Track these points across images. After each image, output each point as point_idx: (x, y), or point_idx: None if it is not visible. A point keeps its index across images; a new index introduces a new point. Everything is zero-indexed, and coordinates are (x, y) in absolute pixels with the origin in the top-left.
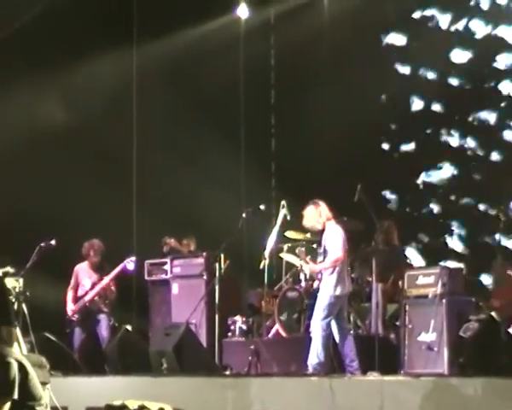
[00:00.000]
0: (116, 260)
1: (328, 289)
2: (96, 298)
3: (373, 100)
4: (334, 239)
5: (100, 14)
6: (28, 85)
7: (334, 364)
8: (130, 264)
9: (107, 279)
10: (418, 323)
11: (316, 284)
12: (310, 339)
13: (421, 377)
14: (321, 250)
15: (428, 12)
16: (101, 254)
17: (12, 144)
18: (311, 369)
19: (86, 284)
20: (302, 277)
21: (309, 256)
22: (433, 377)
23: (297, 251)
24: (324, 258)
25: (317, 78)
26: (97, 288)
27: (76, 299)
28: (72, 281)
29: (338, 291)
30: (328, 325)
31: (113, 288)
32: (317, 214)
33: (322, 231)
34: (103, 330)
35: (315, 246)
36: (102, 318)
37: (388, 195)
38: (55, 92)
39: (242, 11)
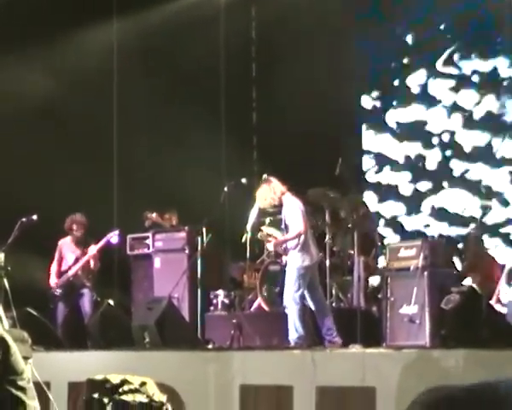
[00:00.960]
0: (98, 234)
1: (294, 262)
2: (79, 272)
3: (348, 71)
4: (293, 212)
5: None
6: (7, 59)
7: (314, 335)
8: (114, 237)
9: (90, 252)
10: (400, 295)
11: (284, 259)
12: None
13: (403, 350)
14: (282, 225)
15: None
16: (84, 229)
17: None
18: (292, 344)
19: (69, 258)
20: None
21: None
22: (415, 350)
23: (259, 236)
24: (287, 232)
25: (297, 50)
26: (81, 262)
27: (60, 273)
28: (56, 255)
29: (305, 262)
30: (301, 297)
31: (95, 261)
32: (270, 192)
33: (281, 205)
34: (86, 304)
35: None
36: (85, 292)
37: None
38: (36, 66)
39: None
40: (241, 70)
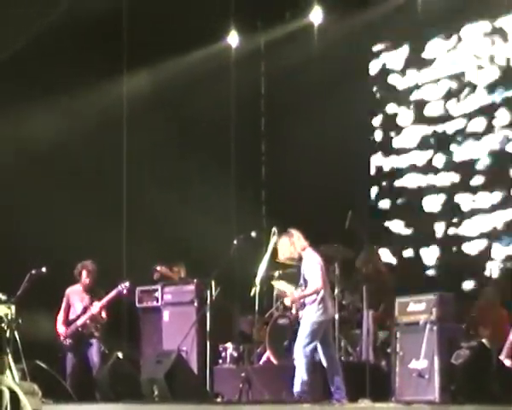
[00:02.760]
0: (107, 285)
1: (310, 317)
2: (87, 322)
3: (361, 127)
4: (312, 268)
5: (91, 41)
6: (19, 108)
7: (320, 390)
8: (124, 289)
9: (100, 303)
10: (409, 350)
11: (300, 314)
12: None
13: (413, 405)
14: (301, 281)
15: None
16: (94, 276)
17: (3, 164)
18: (296, 396)
19: (77, 307)
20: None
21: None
22: (425, 405)
23: (276, 292)
24: (305, 287)
25: (307, 105)
26: (90, 312)
27: (67, 322)
28: (64, 303)
29: (320, 317)
30: (312, 351)
31: (104, 313)
32: (290, 246)
33: (300, 260)
34: (94, 355)
35: None
36: (94, 342)
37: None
38: (47, 117)
39: (233, 39)
40: (250, 124)
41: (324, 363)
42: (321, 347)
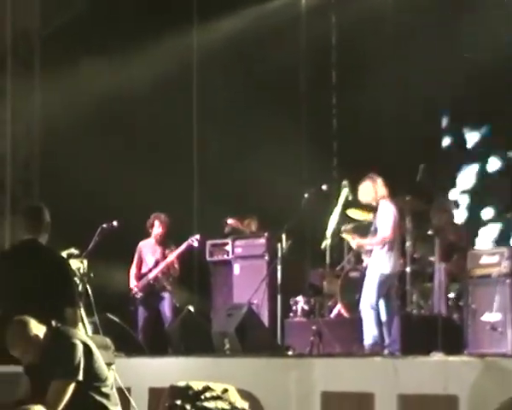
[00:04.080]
0: (178, 240)
1: (377, 268)
2: (159, 275)
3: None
4: (386, 218)
5: None
6: (89, 62)
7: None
8: (194, 242)
9: (171, 257)
10: (482, 303)
11: (365, 262)
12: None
13: (486, 357)
14: (372, 228)
15: None
16: (166, 228)
17: (74, 123)
18: (367, 349)
19: (149, 261)
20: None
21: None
22: (498, 357)
23: (343, 228)
24: (375, 235)
25: (379, 56)
26: (161, 265)
27: (139, 276)
28: (136, 258)
29: (387, 270)
30: (378, 303)
31: (176, 266)
32: (372, 191)
33: (377, 207)
34: (166, 309)
35: None
36: (166, 296)
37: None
38: (118, 69)
39: None
40: (321, 75)
41: (383, 316)
42: (383, 299)
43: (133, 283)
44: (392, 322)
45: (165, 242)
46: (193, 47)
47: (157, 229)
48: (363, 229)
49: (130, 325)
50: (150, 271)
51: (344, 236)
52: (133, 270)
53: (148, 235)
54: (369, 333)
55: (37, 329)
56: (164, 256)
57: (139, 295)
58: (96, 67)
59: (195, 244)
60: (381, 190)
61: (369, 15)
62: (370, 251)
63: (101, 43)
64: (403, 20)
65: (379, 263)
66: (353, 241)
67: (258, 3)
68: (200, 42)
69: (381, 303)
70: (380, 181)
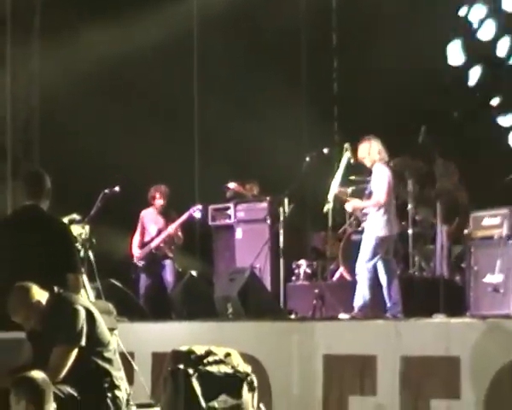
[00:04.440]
0: (180, 206)
1: (373, 231)
2: (161, 245)
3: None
4: (380, 181)
5: None
6: (90, 29)
7: (379, 305)
8: (196, 212)
9: (173, 227)
10: (484, 264)
11: (362, 225)
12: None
13: (488, 319)
14: (367, 191)
15: None
16: (167, 199)
17: (74, 88)
18: (356, 311)
19: (152, 230)
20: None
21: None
22: (500, 319)
23: (337, 192)
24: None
25: (379, 20)
26: (163, 235)
27: (142, 244)
28: (139, 226)
29: (383, 232)
30: (374, 266)
31: (180, 234)
32: (366, 152)
33: (371, 171)
34: (168, 275)
35: None
36: (168, 263)
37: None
38: (116, 37)
39: None
40: (321, 39)
41: (383, 279)
42: (382, 262)
43: (136, 251)
44: (391, 285)
45: (167, 211)
46: (193, 12)
47: (158, 200)
48: (362, 192)
49: (133, 290)
50: (152, 239)
51: (338, 193)
52: (136, 238)
53: (150, 205)
54: (360, 295)
55: (40, 295)
56: (166, 225)
57: (141, 263)
58: (95, 32)
59: (197, 215)
60: (375, 152)
61: None
62: (366, 214)
63: (101, 8)
64: None
65: (374, 226)
66: (348, 204)
67: None
68: (200, 7)
69: (380, 266)
70: (375, 144)
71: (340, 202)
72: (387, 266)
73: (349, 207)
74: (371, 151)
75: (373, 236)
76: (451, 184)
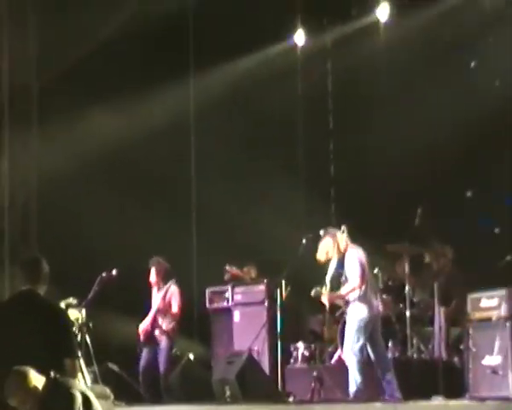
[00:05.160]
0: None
1: (354, 315)
2: (157, 320)
3: (432, 124)
4: (352, 266)
5: (158, 42)
6: (87, 112)
7: (373, 387)
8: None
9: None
10: (482, 346)
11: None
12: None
13: (487, 401)
14: (343, 278)
15: None
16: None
17: (72, 172)
18: (351, 396)
19: (152, 305)
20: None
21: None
22: (499, 401)
23: (312, 293)
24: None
25: (375, 102)
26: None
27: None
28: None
29: (364, 314)
30: (361, 349)
31: (174, 307)
32: (334, 245)
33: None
34: (162, 357)
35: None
36: (163, 344)
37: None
38: (114, 120)
39: (299, 38)
40: (318, 122)
41: (373, 359)
42: (369, 344)
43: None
44: (382, 364)
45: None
46: (190, 95)
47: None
48: None
49: (130, 374)
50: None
51: (313, 294)
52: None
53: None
54: (353, 380)
55: (37, 380)
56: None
57: (141, 338)
58: (93, 116)
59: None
60: (343, 241)
61: (365, 59)
62: (347, 301)
63: (99, 93)
64: (397, 65)
65: (354, 310)
66: (323, 297)
67: (255, 51)
68: (198, 89)
69: (369, 347)
70: (339, 233)
71: (316, 299)
72: (376, 348)
73: (325, 300)
74: (339, 241)
75: (355, 319)
76: (448, 266)
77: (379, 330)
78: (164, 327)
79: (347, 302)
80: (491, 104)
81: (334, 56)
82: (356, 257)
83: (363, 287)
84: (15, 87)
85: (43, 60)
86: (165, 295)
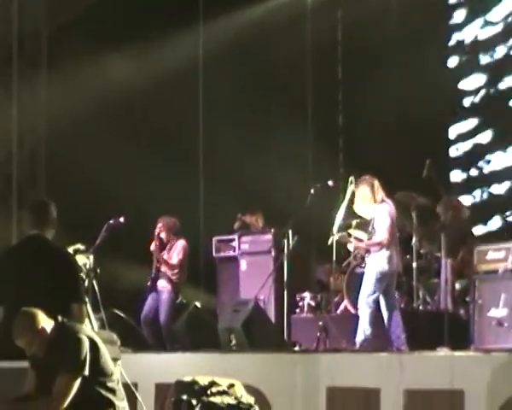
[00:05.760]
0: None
1: (374, 266)
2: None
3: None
4: (382, 220)
5: None
6: (96, 58)
7: (382, 338)
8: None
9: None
10: (488, 298)
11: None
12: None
13: (492, 353)
14: (370, 227)
15: None
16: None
17: (80, 118)
18: (358, 346)
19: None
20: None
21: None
22: (504, 353)
23: (338, 237)
24: (374, 235)
25: (384, 53)
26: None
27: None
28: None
29: (385, 268)
30: (375, 301)
31: (175, 259)
32: (371, 196)
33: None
34: (163, 304)
35: None
36: (165, 291)
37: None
38: (123, 67)
39: None
40: (327, 71)
41: (384, 314)
42: (383, 298)
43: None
44: (392, 320)
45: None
46: (198, 43)
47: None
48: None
49: (137, 320)
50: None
51: (339, 238)
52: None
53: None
54: (361, 330)
55: (45, 322)
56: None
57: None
58: (101, 64)
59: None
60: (379, 192)
61: (375, 9)
62: (369, 250)
63: (108, 40)
64: (408, 17)
65: (376, 262)
66: (350, 244)
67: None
68: (207, 37)
69: (382, 301)
70: (376, 183)
71: (342, 245)
72: (389, 301)
73: (351, 247)
74: (375, 192)
75: (374, 271)
76: (456, 218)
77: (394, 285)
78: (169, 275)
79: (368, 251)
80: None
81: (345, 5)
82: (387, 211)
83: (390, 242)
84: (25, 33)
85: (52, 5)
86: (172, 247)
